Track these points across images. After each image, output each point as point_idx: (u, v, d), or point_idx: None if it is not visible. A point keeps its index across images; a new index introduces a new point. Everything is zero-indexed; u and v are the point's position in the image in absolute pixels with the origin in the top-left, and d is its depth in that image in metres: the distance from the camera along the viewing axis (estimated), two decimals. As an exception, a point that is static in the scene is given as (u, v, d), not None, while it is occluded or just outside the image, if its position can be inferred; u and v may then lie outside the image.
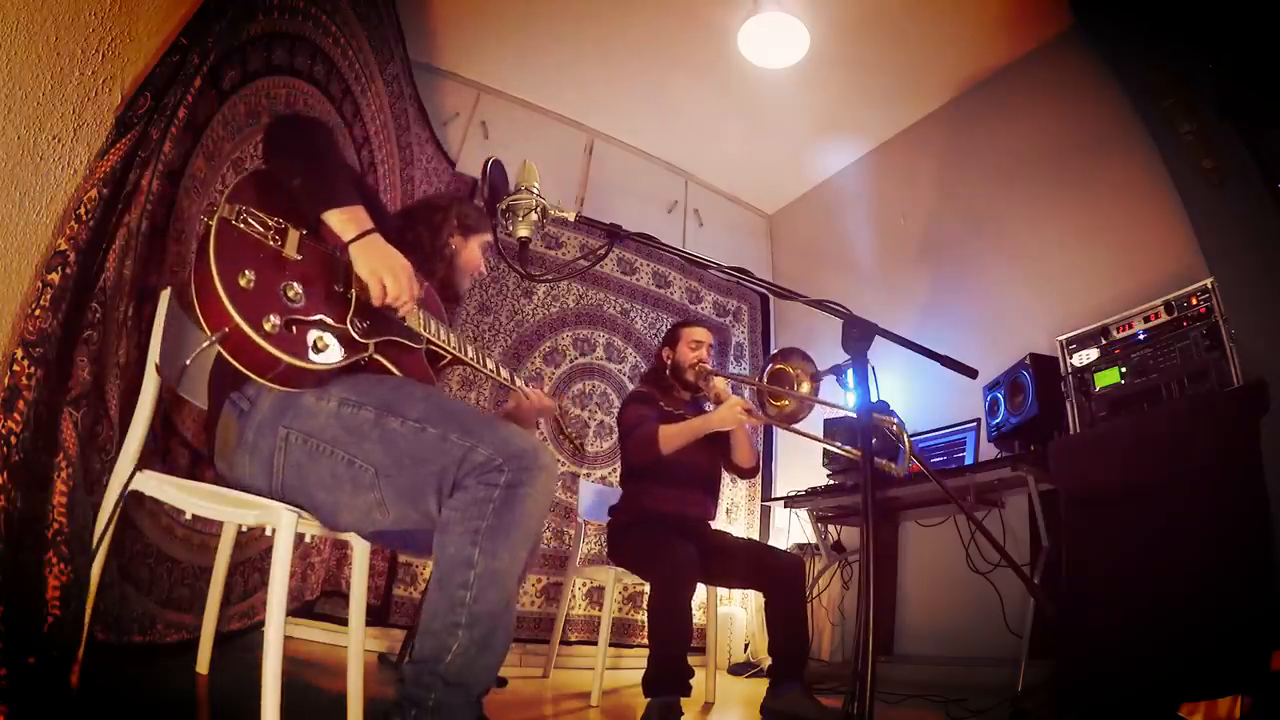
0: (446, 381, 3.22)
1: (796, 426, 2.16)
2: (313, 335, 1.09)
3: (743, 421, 2.21)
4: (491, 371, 1.49)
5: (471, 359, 1.43)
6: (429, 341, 1.34)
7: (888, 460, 2.01)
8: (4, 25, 0.86)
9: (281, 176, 1.14)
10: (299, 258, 1.12)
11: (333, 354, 1.11)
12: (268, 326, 1.03)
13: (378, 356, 1.20)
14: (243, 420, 1.14)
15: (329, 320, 1.13)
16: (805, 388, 2.11)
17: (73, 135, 1.01)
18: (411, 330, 1.30)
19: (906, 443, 1.64)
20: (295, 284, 1.10)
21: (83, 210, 1.01)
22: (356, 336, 1.16)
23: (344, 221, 1.14)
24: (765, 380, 2.17)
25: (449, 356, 1.40)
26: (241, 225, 1.06)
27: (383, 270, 1.16)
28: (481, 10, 3.34)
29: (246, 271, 1.03)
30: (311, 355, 1.08)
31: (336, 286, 1.18)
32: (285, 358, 1.03)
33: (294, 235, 1.14)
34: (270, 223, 1.11)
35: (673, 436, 2.19)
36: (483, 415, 1.15)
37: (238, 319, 0.99)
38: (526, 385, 1.61)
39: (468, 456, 1.05)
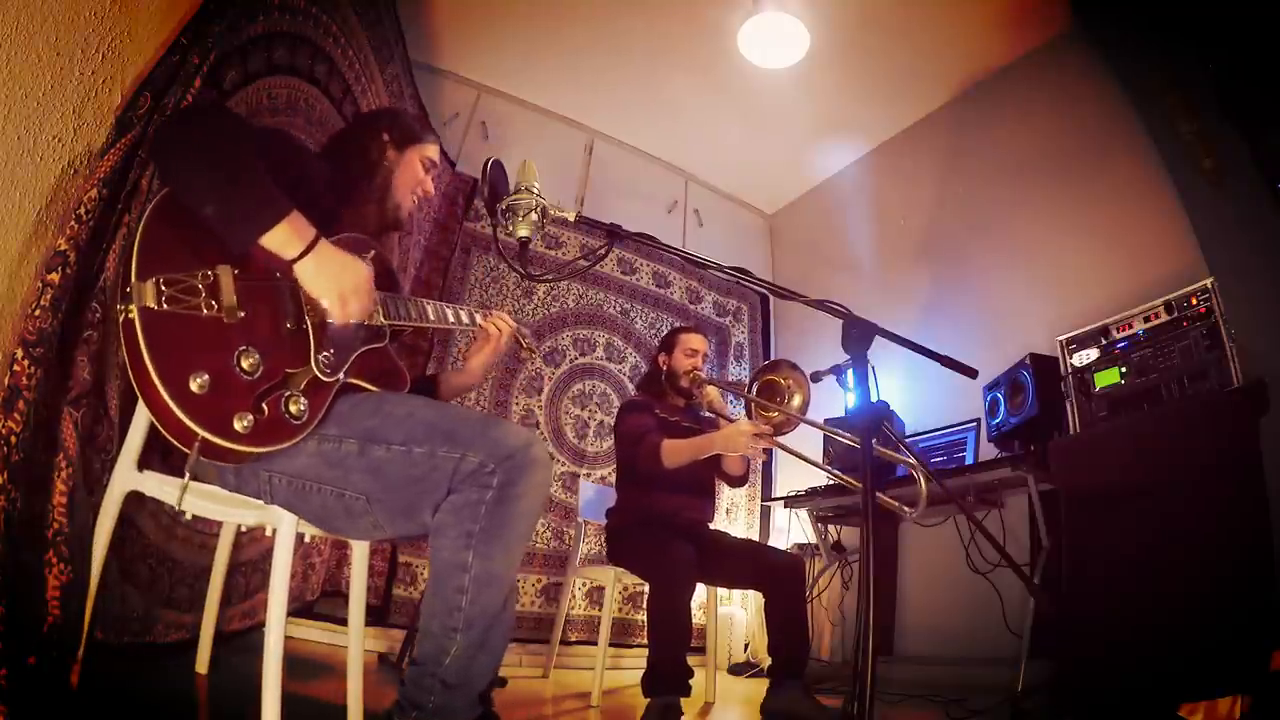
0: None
1: (795, 448, 2.12)
2: (284, 400, 1.01)
3: (743, 448, 2.10)
4: (453, 323, 1.41)
5: (433, 320, 1.35)
6: (390, 327, 1.25)
7: (893, 499, 1.94)
8: (4, 25, 0.86)
9: (188, 203, 0.96)
10: (242, 314, 0.98)
11: (308, 410, 1.03)
12: (240, 428, 0.93)
13: (350, 379, 1.14)
14: (220, 466, 1.10)
15: (294, 371, 1.04)
16: (796, 400, 2.07)
17: (73, 135, 1.01)
18: (373, 329, 1.20)
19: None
20: (250, 351, 0.97)
21: (83, 210, 1.00)
22: (325, 377, 1.08)
23: (284, 239, 0.99)
24: (755, 392, 2.14)
25: (410, 329, 1.32)
26: (167, 307, 0.91)
27: (347, 289, 1.07)
28: (482, 10, 3.34)
29: (196, 375, 0.90)
30: (290, 423, 1.00)
31: (288, 325, 1.06)
32: (265, 450, 0.97)
33: (227, 280, 0.98)
34: (198, 284, 0.95)
35: (676, 453, 2.17)
36: (469, 417, 1.09)
37: (205, 434, 0.90)
38: (484, 319, 1.49)
39: (459, 467, 1.02)
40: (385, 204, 1.36)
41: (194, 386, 0.90)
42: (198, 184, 0.96)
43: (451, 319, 1.40)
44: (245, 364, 0.97)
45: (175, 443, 0.92)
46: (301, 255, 1.01)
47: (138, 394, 0.91)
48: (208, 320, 0.95)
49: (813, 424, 2.10)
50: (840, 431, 2.07)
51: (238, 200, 0.97)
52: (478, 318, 1.48)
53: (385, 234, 1.38)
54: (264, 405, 0.98)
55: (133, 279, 0.90)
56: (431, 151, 1.42)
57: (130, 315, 0.89)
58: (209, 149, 0.98)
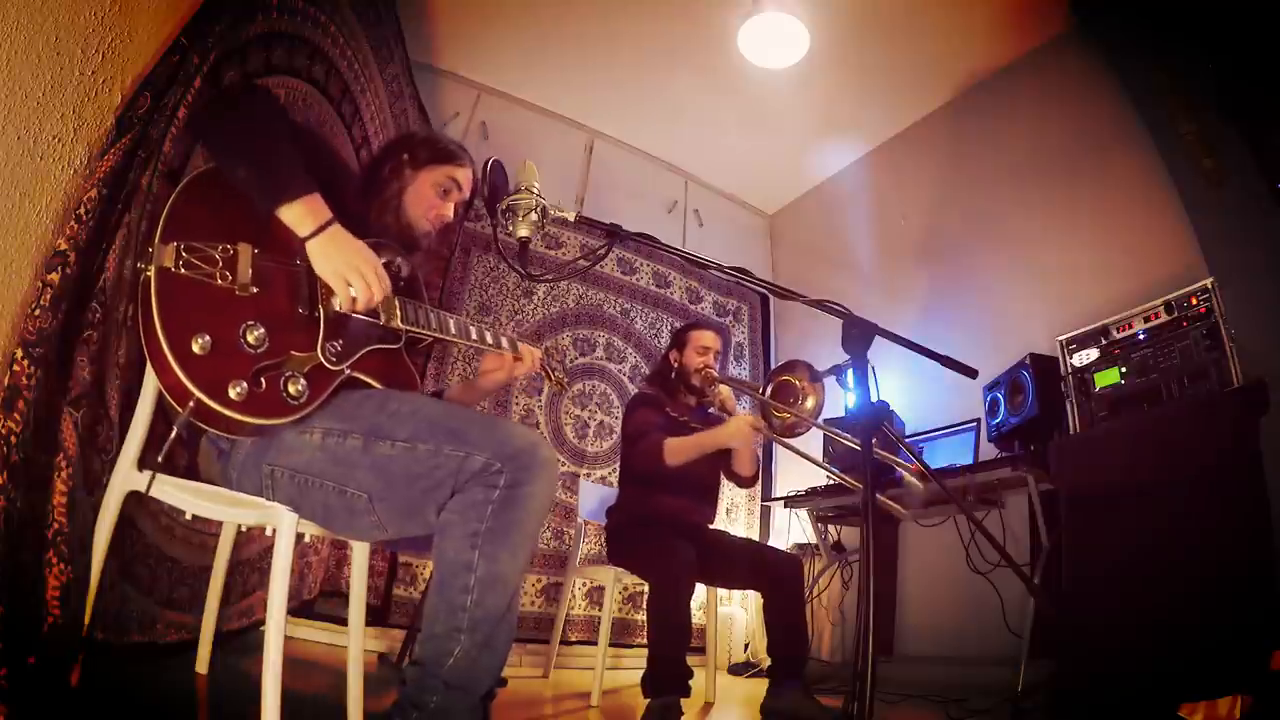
0: (446, 379, 3.22)
1: (797, 445, 2.11)
2: (284, 379, 1.03)
3: (750, 440, 2.14)
4: (476, 342, 1.39)
5: (453, 334, 1.33)
6: (408, 331, 1.25)
7: (891, 498, 1.94)
8: (4, 25, 0.86)
9: (223, 168, 1.04)
10: (255, 290, 1.03)
11: (307, 392, 1.05)
12: (233, 394, 0.95)
13: (356, 374, 1.14)
14: (223, 459, 1.12)
15: (299, 354, 1.06)
16: (810, 403, 2.06)
17: (73, 135, 1.01)
18: (388, 329, 1.21)
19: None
20: (256, 325, 1.01)
21: (83, 210, 1.00)
22: (330, 366, 1.09)
23: (299, 216, 1.04)
24: (770, 392, 2.13)
25: (430, 339, 1.32)
26: (184, 271, 0.96)
27: (346, 270, 1.08)
28: (481, 10, 3.34)
29: (199, 336, 0.94)
30: (286, 402, 1.02)
31: (301, 309, 1.09)
32: (256, 421, 0.99)
33: (245, 258, 1.02)
34: (217, 254, 0.99)
35: (678, 451, 2.15)
36: (475, 417, 1.09)
37: (198, 394, 0.92)
38: (511, 343, 1.46)
39: (464, 466, 1.01)
40: (399, 221, 1.35)
41: (195, 347, 0.94)
42: (236, 148, 1.04)
43: (475, 336, 1.38)
44: (250, 337, 1.00)
45: (171, 401, 0.95)
46: (313, 234, 1.05)
47: (144, 349, 0.95)
48: (220, 290, 1.00)
49: (821, 427, 2.10)
50: (842, 434, 2.07)
51: (268, 168, 1.03)
52: (503, 341, 1.44)
53: (408, 253, 1.37)
54: (262, 379, 1.00)
55: (156, 240, 0.96)
56: (455, 173, 1.40)
57: (148, 274, 0.94)
58: (253, 121, 1.07)
